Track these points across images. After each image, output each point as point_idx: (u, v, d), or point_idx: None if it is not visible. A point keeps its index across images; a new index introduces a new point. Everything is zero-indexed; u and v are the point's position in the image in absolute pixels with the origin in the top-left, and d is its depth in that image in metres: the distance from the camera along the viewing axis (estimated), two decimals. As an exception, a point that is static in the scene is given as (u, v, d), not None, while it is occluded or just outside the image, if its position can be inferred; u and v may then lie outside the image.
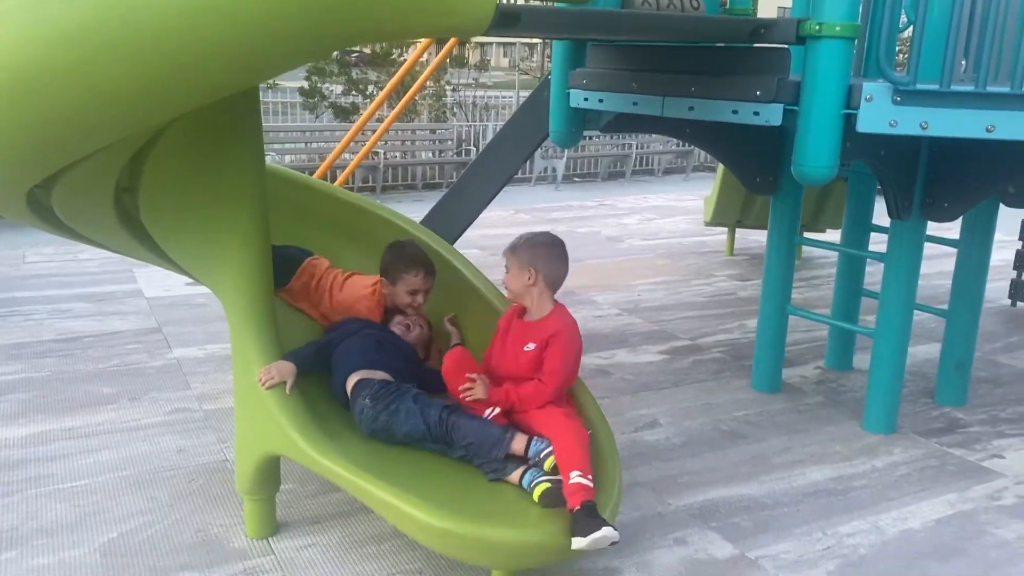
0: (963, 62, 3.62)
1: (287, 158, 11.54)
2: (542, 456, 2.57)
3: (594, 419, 2.91)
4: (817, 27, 3.02)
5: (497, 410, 2.75)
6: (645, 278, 6.81)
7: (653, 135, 13.84)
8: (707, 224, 7.66)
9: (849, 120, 3.05)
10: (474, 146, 12.46)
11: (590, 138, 13.58)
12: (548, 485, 2.49)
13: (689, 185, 13.01)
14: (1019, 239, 6.12)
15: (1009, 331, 5.68)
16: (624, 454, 3.24)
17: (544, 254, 2.89)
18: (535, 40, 38.66)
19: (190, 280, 5.59)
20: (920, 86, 3.03)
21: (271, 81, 15.58)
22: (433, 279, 3.20)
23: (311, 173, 11.17)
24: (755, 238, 8.33)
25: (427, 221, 4.48)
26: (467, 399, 2.82)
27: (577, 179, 13.49)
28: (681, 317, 5.78)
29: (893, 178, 3.50)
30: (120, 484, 3.30)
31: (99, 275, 6.40)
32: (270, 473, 2.89)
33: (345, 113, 14.45)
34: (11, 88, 1.78)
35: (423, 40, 5.93)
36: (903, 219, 3.67)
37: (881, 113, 2.98)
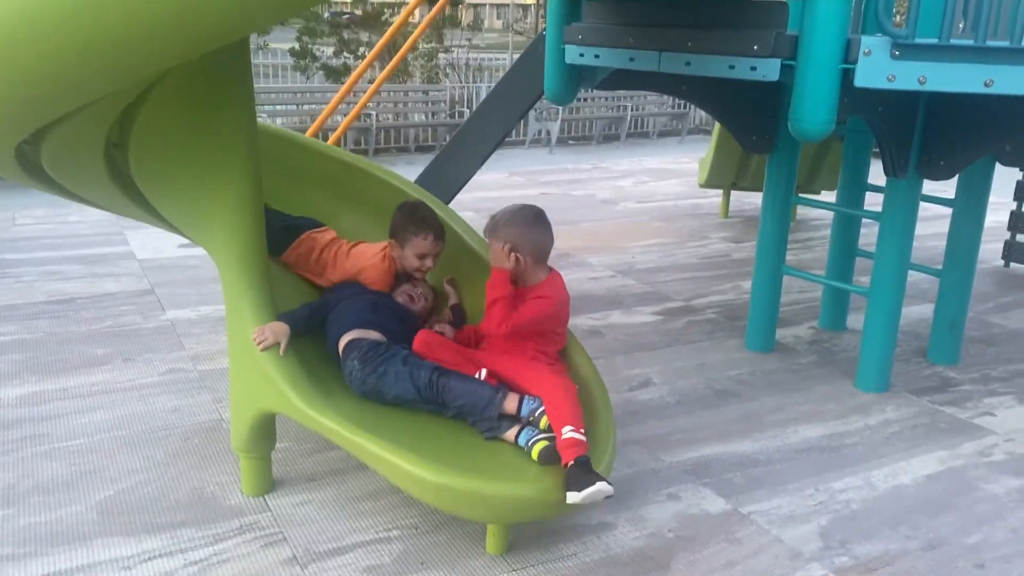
0: (961, 23, 3.58)
1: (279, 120, 11.43)
2: (536, 414, 2.57)
3: (588, 376, 2.91)
4: (815, -20, 2.98)
5: (485, 371, 2.74)
6: (639, 240, 6.80)
7: (649, 96, 13.74)
8: (702, 186, 7.63)
9: (847, 75, 3.02)
10: (467, 108, 12.34)
11: (584, 100, 13.48)
12: (546, 443, 2.50)
13: (684, 148, 12.95)
14: (1013, 200, 6.12)
15: (1002, 291, 5.70)
16: (618, 413, 3.25)
17: (522, 232, 2.83)
18: (529, 1, 38.15)
19: (183, 242, 5.57)
20: (919, 40, 2.99)
21: (261, 42, 15.39)
22: (443, 243, 3.17)
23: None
24: (750, 200, 8.31)
25: (420, 181, 4.44)
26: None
27: (572, 142, 13.41)
28: (675, 279, 5.78)
29: (890, 135, 3.48)
30: (116, 443, 3.30)
31: (91, 237, 6.36)
32: (266, 431, 2.89)
33: (336, 74, 14.29)
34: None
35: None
36: (899, 177, 3.65)
37: (879, 67, 2.95)
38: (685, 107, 14.11)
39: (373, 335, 2.83)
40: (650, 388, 3.97)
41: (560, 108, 12.45)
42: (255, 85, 2.92)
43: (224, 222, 2.78)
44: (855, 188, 4.58)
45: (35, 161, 2.66)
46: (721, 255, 6.45)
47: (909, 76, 2.96)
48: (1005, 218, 6.38)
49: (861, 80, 2.98)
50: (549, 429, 2.53)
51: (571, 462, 2.42)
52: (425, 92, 13.02)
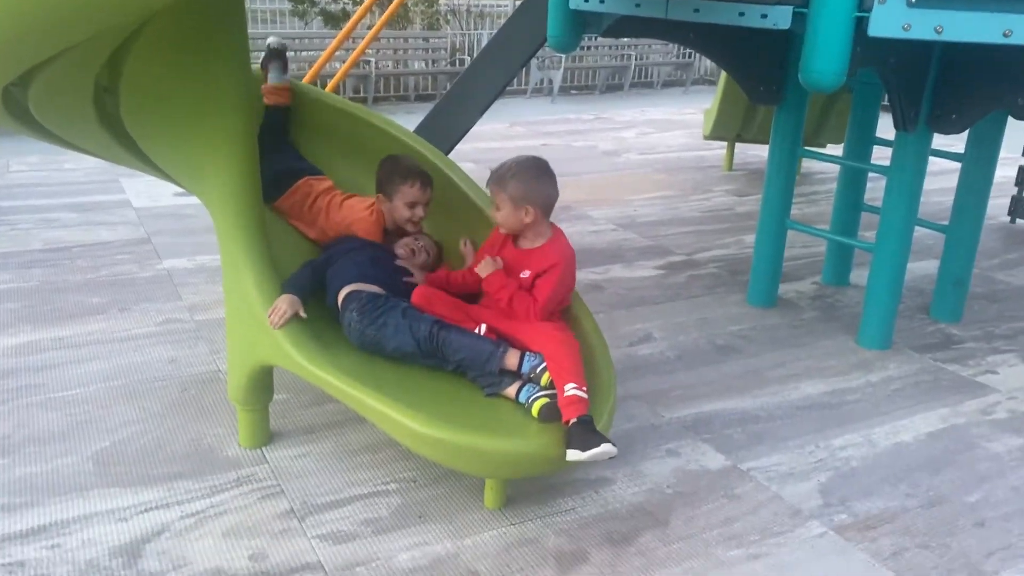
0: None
1: (276, 67, 11.24)
2: (538, 371, 2.53)
3: (589, 331, 2.87)
4: (831, -76, 2.87)
5: (485, 327, 2.69)
6: (642, 193, 6.72)
7: (653, 45, 13.51)
8: (706, 138, 7.52)
9: (860, 24, 2.92)
10: (468, 55, 12.14)
11: (588, 48, 13.25)
12: (547, 400, 2.47)
13: (688, 98, 12.77)
14: (1022, 155, 6.02)
15: (1007, 248, 5.64)
16: (618, 368, 3.21)
17: (535, 185, 2.74)
18: (532, -54, 37.34)
19: (179, 191, 5.50)
20: (936, -12, 2.89)
21: (259, -14, 15.04)
22: (431, 189, 3.10)
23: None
24: (754, 153, 8.20)
25: (420, 131, 4.35)
26: (475, 270, 2.79)
27: (574, 91, 13.22)
28: (677, 232, 5.72)
29: (901, 87, 3.39)
30: (111, 394, 3.28)
31: (86, 184, 6.28)
32: (263, 383, 2.86)
33: (335, 20, 14.00)
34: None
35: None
36: (909, 131, 3.57)
37: (894, 16, 2.85)
38: (690, 57, 13.89)
39: (372, 288, 2.78)
40: (650, 343, 3.94)
41: (563, 57, 12.24)
42: (251, 30, 2.83)
43: (217, 170, 2.71)
44: (863, 142, 4.50)
45: (23, 105, 2.58)
46: (724, 209, 6.38)
47: (925, 25, 2.87)
48: (1013, 173, 6.30)
49: (875, 29, 2.89)
50: (550, 386, 2.50)
51: (573, 420, 2.39)
52: (425, 39, 12.79)
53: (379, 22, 6.08)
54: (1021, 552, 2.56)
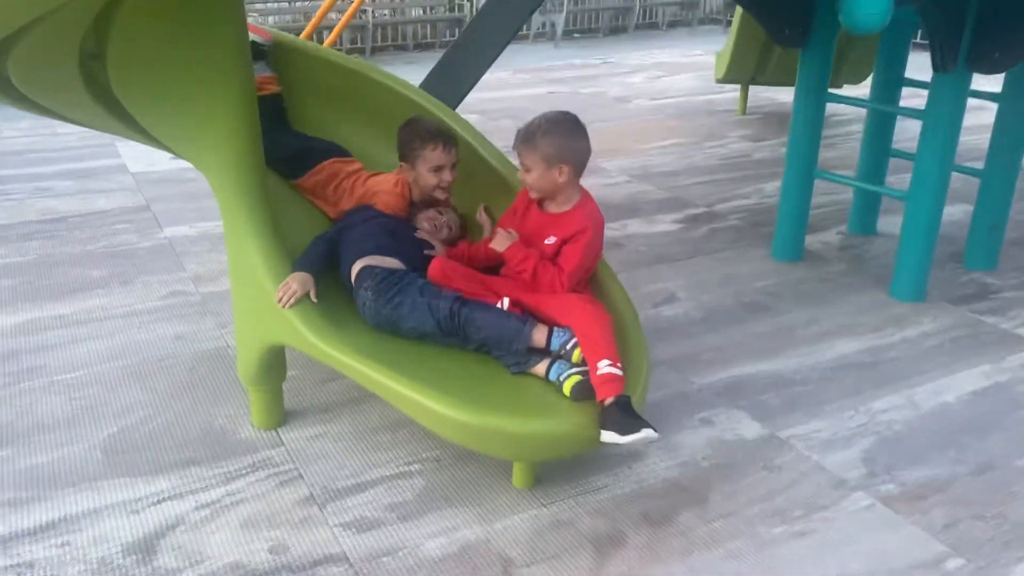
0: None
1: (270, 19, 10.91)
2: (568, 347, 2.37)
3: (618, 300, 2.71)
4: None
5: (508, 300, 2.52)
6: (655, 141, 6.50)
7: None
8: (719, 81, 7.25)
9: (903, -42, 2.70)
10: (467, 0, 11.75)
11: (590, -10, 12.82)
12: (580, 378, 2.31)
13: (695, 39, 12.39)
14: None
15: (1038, 189, 5.43)
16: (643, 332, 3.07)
17: (569, 141, 2.54)
18: None
19: (176, 154, 5.31)
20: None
21: (248, -66, 14.56)
22: (456, 150, 2.89)
23: (297, 34, 10.59)
24: (767, 95, 7.94)
25: (425, 86, 4.14)
26: (491, 246, 2.62)
27: (577, 35, 12.83)
28: (694, 182, 5.52)
29: (942, 25, 3.17)
30: (117, 375, 3.14)
31: (80, 150, 6.08)
32: (275, 363, 2.72)
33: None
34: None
35: None
36: (948, 71, 3.35)
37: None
38: (697, -6, 13.46)
39: (389, 262, 2.61)
40: (675, 304, 3.78)
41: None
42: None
43: (216, 139, 2.53)
44: (891, 83, 4.27)
45: (4, 76, 2.39)
46: (741, 155, 6.16)
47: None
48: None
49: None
50: (582, 362, 2.35)
51: (609, 400, 2.24)
52: (422, -15, 12.36)
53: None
54: (1080, 520, 2.44)
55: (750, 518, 2.43)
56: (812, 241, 4.44)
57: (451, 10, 11.74)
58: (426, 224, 2.86)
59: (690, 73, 9.37)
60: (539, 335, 2.41)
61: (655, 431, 2.20)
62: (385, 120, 3.18)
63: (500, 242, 2.61)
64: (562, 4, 12.03)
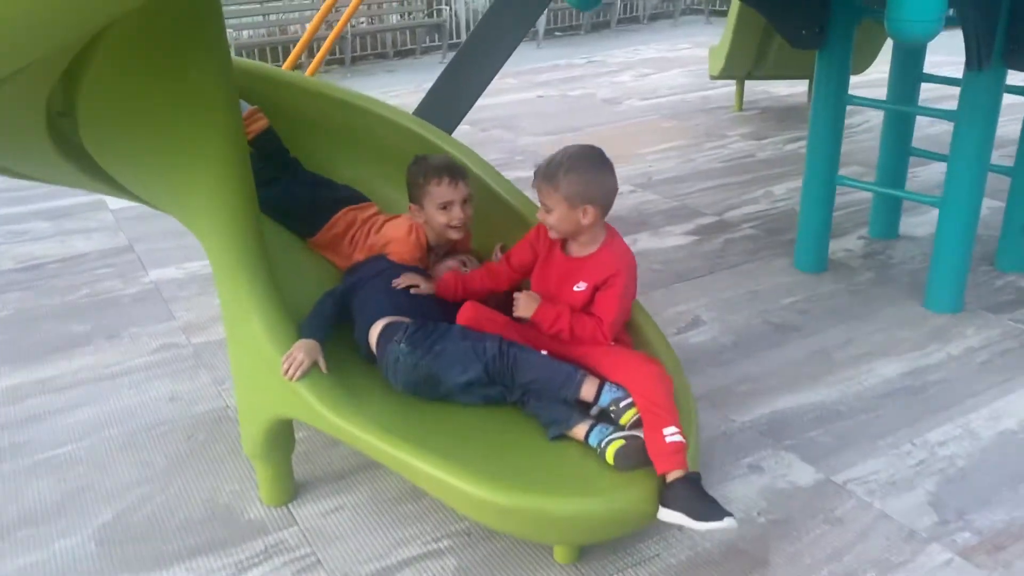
0: None
1: (245, 33, 10.60)
2: (622, 406, 2.12)
3: (654, 342, 2.47)
4: None
5: (546, 354, 2.27)
6: (653, 145, 6.27)
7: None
8: (714, 78, 7.02)
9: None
10: (446, 4, 11.48)
11: (569, -13, 12.58)
12: (623, 442, 2.06)
13: (679, 32, 12.18)
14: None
15: (1056, 177, 5.23)
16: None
17: (594, 178, 2.28)
18: None
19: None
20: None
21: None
22: (464, 183, 2.63)
23: (274, 48, 10.27)
24: (762, 88, 7.74)
25: (421, 112, 3.89)
26: (517, 315, 2.35)
27: (559, 33, 12.59)
28: (700, 188, 5.29)
29: (979, 22, 2.95)
30: (108, 448, 2.88)
31: (55, 186, 5.77)
32: (282, 436, 2.47)
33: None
34: None
35: None
36: (983, 68, 3.13)
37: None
38: (676, -14, 13.23)
39: (408, 321, 2.36)
40: (701, 328, 3.56)
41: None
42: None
43: (206, 195, 2.28)
44: (909, 80, 4.05)
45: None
46: (744, 156, 5.94)
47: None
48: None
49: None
50: (633, 426, 2.10)
51: (675, 475, 1.99)
52: (398, -10, 12.07)
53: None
54: None
55: (820, 584, 2.21)
56: (834, 248, 4.23)
57: (430, 15, 11.47)
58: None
59: (678, 69, 9.16)
60: (589, 388, 2.16)
61: (734, 518, 1.95)
62: (384, 154, 2.95)
63: (525, 308, 2.34)
64: (542, 2, 11.77)
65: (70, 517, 2.55)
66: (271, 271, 2.34)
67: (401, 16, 11.71)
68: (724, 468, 2.66)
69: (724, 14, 11.47)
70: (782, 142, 6.20)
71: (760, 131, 6.54)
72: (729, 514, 1.94)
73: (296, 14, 10.22)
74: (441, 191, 2.61)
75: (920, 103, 4.20)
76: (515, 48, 3.86)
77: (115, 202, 5.38)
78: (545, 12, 11.80)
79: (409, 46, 11.51)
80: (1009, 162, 3.89)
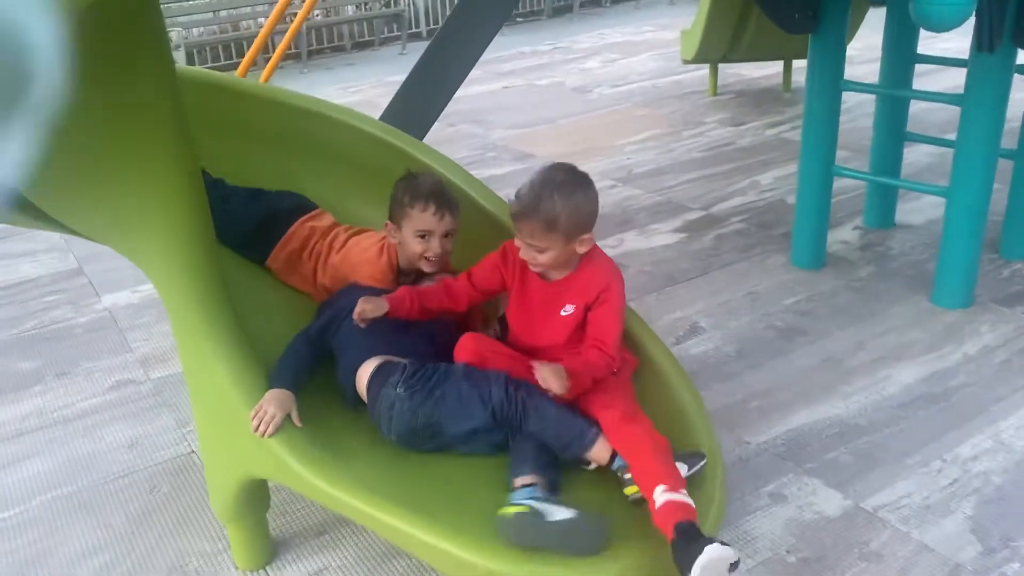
0: None
1: (195, 31, 10.16)
2: (625, 479, 1.89)
3: (657, 357, 2.23)
4: None
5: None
6: (630, 135, 6.03)
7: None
8: (687, 62, 6.78)
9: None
10: (403, -6, 11.13)
11: (529, -29, 12.27)
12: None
13: (642, 14, 11.93)
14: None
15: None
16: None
17: (585, 204, 2.03)
18: None
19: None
20: None
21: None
22: (452, 216, 2.33)
23: (226, 45, 9.86)
24: (734, 71, 7.52)
25: (390, 116, 3.60)
26: (552, 394, 1.98)
27: (520, 19, 12.28)
28: (683, 181, 5.06)
29: (992, 1, 2.74)
30: (62, 509, 2.59)
31: (-3, 205, 5.40)
32: (255, 495, 2.19)
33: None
34: None
35: None
36: (993, 50, 2.93)
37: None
38: (637, -34, 12.97)
39: (399, 360, 2.09)
40: (700, 336, 3.33)
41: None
42: None
43: (158, 229, 1.99)
44: (902, 61, 3.84)
45: None
46: (725, 143, 5.72)
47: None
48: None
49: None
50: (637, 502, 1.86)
51: (672, 533, 1.75)
52: (353, -20, 11.68)
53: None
54: None
55: (865, 634, 2.00)
56: (830, 240, 4.01)
57: (387, 5, 11.11)
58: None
59: (647, 53, 8.91)
60: (601, 451, 1.92)
61: (726, 546, 1.67)
62: (346, 164, 2.68)
63: (559, 386, 1.94)
64: (502, -12, 11.45)
65: (19, 596, 2.27)
66: (233, 310, 2.06)
67: (357, 7, 11.33)
68: (744, 499, 2.44)
69: (688, -6, 11.28)
70: (762, 127, 5.99)
71: (737, 116, 6.32)
72: (712, 540, 1.67)
73: (248, 8, 9.82)
74: (423, 219, 2.32)
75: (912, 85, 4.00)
76: (490, 42, 3.58)
77: (62, 220, 5.02)
78: (506, -2, 11.48)
79: (367, 37, 11.14)
80: (1010, 144, 3.71)
